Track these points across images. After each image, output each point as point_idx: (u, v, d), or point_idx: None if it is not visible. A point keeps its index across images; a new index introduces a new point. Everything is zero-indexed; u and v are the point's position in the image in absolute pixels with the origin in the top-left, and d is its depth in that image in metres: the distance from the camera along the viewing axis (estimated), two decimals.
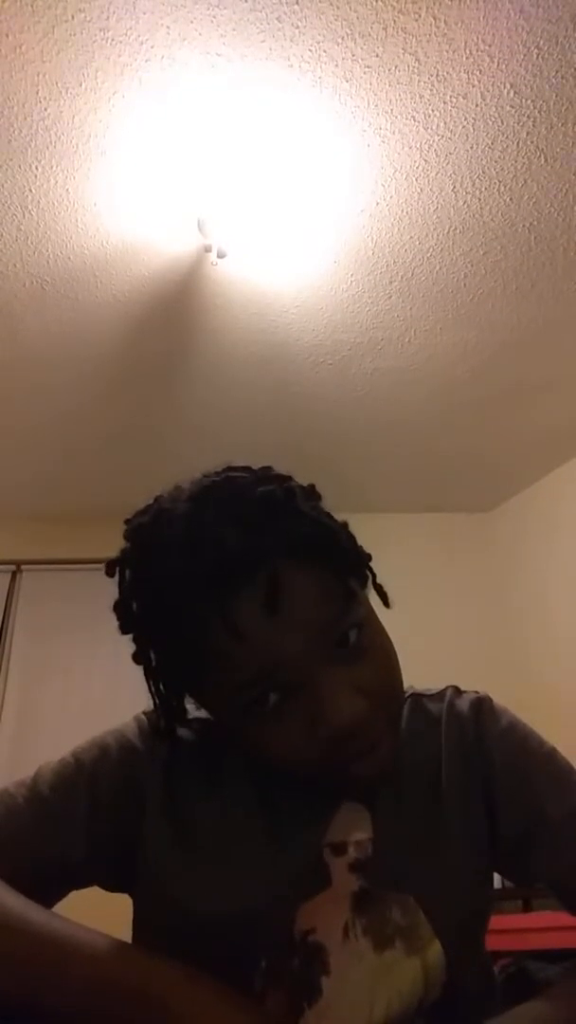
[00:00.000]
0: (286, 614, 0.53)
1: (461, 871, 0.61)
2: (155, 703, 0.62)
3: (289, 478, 0.62)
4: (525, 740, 0.67)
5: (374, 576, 0.64)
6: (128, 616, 0.61)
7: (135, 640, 0.61)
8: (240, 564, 0.53)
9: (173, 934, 0.58)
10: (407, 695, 0.71)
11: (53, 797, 0.61)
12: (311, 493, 0.63)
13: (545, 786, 0.63)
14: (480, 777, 0.65)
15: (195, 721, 0.69)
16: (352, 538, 0.62)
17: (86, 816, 0.61)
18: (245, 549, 0.53)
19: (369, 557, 0.63)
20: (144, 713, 0.70)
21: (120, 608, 0.61)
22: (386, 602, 0.64)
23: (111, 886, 0.64)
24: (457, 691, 0.71)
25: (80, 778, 0.63)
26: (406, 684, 0.72)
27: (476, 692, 0.71)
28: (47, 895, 0.58)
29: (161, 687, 0.61)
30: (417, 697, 0.71)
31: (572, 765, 0.66)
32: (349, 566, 0.59)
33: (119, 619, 0.61)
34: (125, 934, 0.60)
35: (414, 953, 0.56)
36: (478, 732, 0.66)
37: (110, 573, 0.61)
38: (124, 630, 0.61)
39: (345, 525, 0.62)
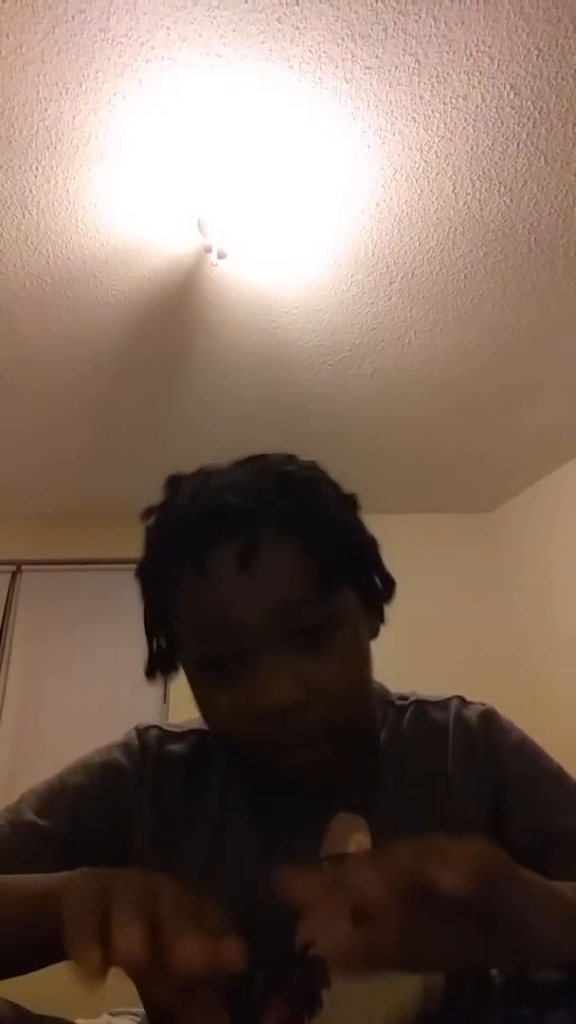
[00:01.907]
0: (257, 577, 0.54)
1: None
2: (148, 646, 0.63)
3: (323, 473, 0.64)
4: (536, 757, 0.66)
5: (385, 596, 0.64)
6: (141, 558, 0.63)
7: (139, 580, 0.63)
8: (228, 520, 0.55)
9: None
10: (410, 701, 0.71)
11: (37, 820, 0.61)
12: (346, 497, 0.64)
13: (558, 803, 0.63)
14: (490, 792, 0.64)
15: (188, 734, 0.69)
16: (370, 550, 0.63)
17: (69, 837, 0.61)
18: (238, 509, 0.55)
19: (393, 583, 0.64)
20: (136, 728, 0.70)
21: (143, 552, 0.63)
22: (381, 618, 0.64)
23: None
24: (463, 701, 0.70)
25: (63, 800, 0.63)
26: (408, 689, 0.72)
27: (483, 704, 0.70)
28: None
29: (152, 638, 0.63)
30: (421, 704, 0.70)
31: None
32: (345, 565, 0.59)
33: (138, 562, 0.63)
34: None
35: None
36: (488, 746, 0.66)
37: (144, 518, 0.64)
38: (136, 574, 0.63)
39: (372, 541, 0.63)
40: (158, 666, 0.63)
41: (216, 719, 0.59)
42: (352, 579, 0.60)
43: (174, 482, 0.63)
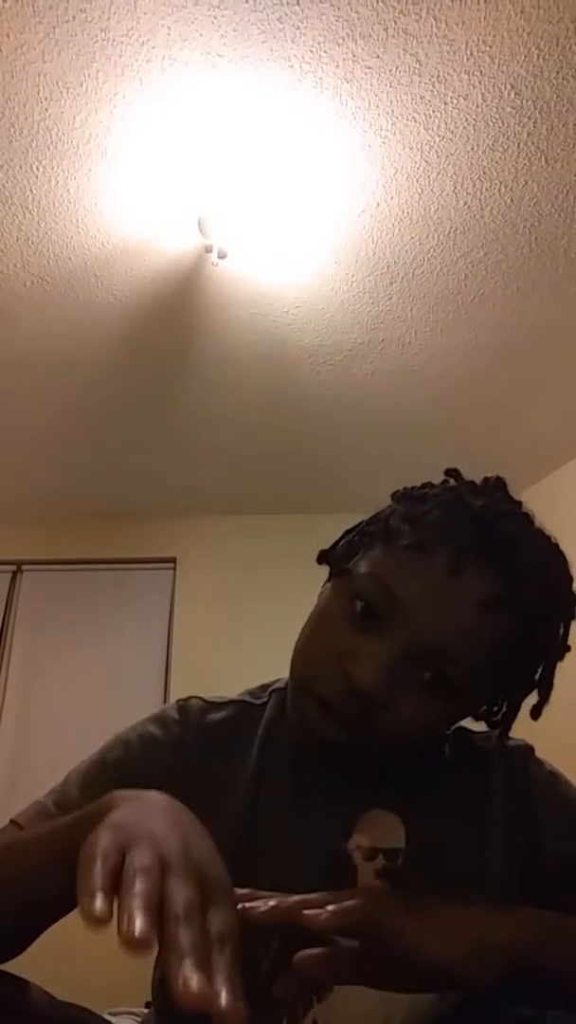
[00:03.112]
0: (480, 616, 0.56)
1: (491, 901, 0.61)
2: (340, 544, 0.68)
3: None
4: (568, 788, 0.68)
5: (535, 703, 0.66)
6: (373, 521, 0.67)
7: (395, 502, 0.67)
8: (479, 539, 0.58)
9: None
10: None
11: (82, 798, 0.63)
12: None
13: None
14: (525, 819, 0.65)
15: (229, 704, 0.71)
16: (551, 664, 0.64)
17: None
18: (536, 579, 0.58)
19: (547, 697, 0.66)
20: (177, 700, 0.72)
21: (373, 518, 0.67)
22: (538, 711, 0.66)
23: None
24: (503, 735, 0.72)
25: (105, 776, 0.65)
26: None
27: (522, 740, 0.72)
28: None
29: (350, 544, 0.66)
30: (463, 731, 0.72)
31: None
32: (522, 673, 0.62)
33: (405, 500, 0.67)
34: None
35: None
36: (525, 776, 0.68)
37: (395, 497, 0.68)
38: (403, 502, 0.66)
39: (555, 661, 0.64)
40: (336, 561, 0.66)
41: (318, 636, 0.61)
42: (514, 688, 0.64)
43: (457, 476, 0.67)
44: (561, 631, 0.63)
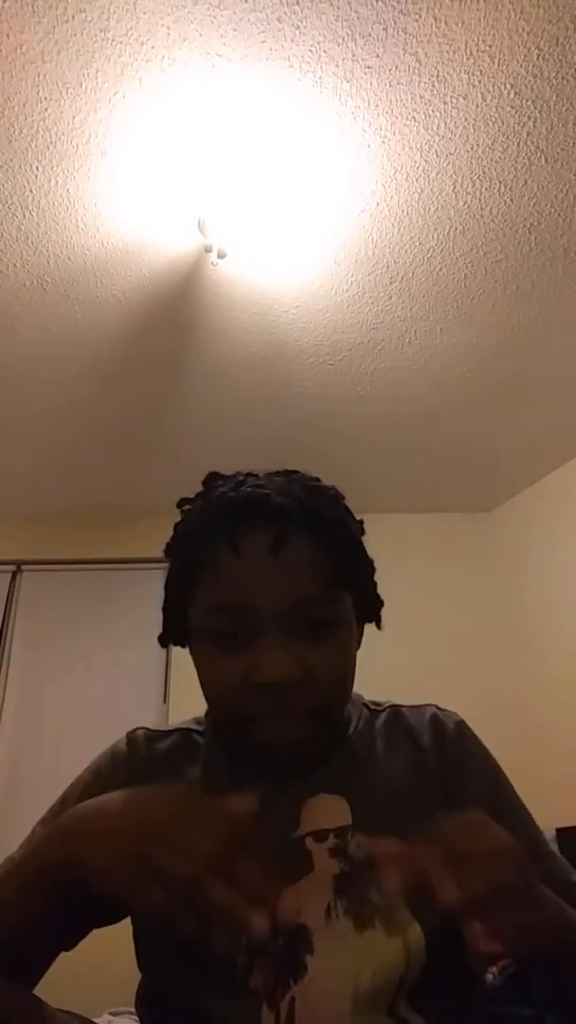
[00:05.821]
0: (283, 564, 0.61)
1: None
2: (163, 616, 0.70)
3: (342, 495, 0.71)
4: (499, 775, 0.71)
5: (373, 614, 0.70)
6: (173, 537, 0.70)
7: (168, 557, 0.69)
8: (264, 509, 0.62)
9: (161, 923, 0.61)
10: (386, 707, 0.76)
11: None
12: (357, 520, 0.71)
13: (509, 819, 0.65)
14: (454, 796, 0.67)
15: (173, 732, 0.75)
16: (370, 570, 0.70)
17: None
18: (275, 502, 0.62)
19: (381, 602, 0.70)
20: (126, 733, 0.76)
21: (173, 533, 0.70)
22: (379, 623, 0.71)
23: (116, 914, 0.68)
24: (439, 708, 0.76)
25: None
26: (386, 697, 0.78)
27: (456, 713, 0.75)
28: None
29: (172, 608, 0.69)
30: (396, 708, 0.76)
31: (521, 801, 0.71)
32: (352, 575, 0.66)
33: (169, 541, 0.70)
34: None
35: (395, 933, 0.59)
36: (460, 753, 0.71)
37: (180, 506, 0.71)
38: (166, 551, 0.70)
39: (371, 562, 0.70)
40: (172, 635, 0.70)
41: (217, 685, 0.64)
42: (353, 590, 0.66)
43: (213, 477, 0.71)
44: (346, 513, 0.69)
